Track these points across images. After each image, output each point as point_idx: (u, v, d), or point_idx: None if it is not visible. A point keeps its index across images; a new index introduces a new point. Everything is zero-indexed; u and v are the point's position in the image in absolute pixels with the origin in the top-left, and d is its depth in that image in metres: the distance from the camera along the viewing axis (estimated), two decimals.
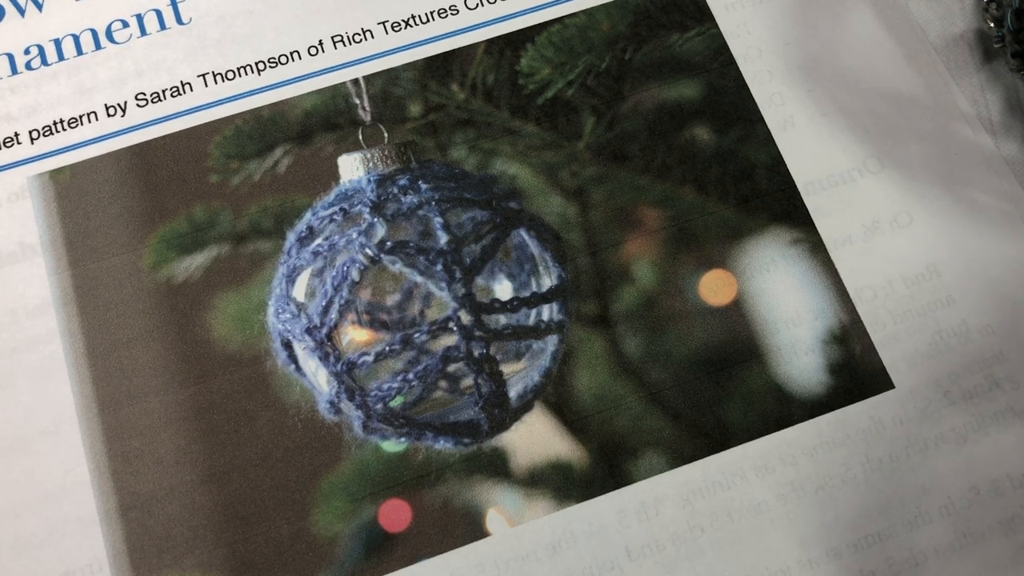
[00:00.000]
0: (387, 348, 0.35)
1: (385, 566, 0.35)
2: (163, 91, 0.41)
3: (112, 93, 0.41)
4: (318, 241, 0.36)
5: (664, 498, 0.35)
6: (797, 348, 0.37)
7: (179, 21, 0.42)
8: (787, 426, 0.36)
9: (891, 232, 0.38)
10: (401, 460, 0.36)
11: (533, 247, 0.37)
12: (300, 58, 0.41)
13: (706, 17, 0.42)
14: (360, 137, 0.40)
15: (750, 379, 0.37)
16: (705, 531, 0.35)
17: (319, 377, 0.36)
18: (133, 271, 0.38)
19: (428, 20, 0.42)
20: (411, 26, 0.42)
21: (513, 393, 0.36)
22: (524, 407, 0.36)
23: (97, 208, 0.39)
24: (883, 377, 0.37)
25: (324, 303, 0.35)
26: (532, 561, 0.35)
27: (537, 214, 0.38)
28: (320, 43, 0.41)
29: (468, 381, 0.36)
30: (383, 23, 0.42)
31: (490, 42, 0.41)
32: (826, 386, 0.37)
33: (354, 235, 0.35)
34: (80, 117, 0.40)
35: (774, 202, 0.39)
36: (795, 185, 0.39)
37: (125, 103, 0.41)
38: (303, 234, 0.37)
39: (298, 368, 0.36)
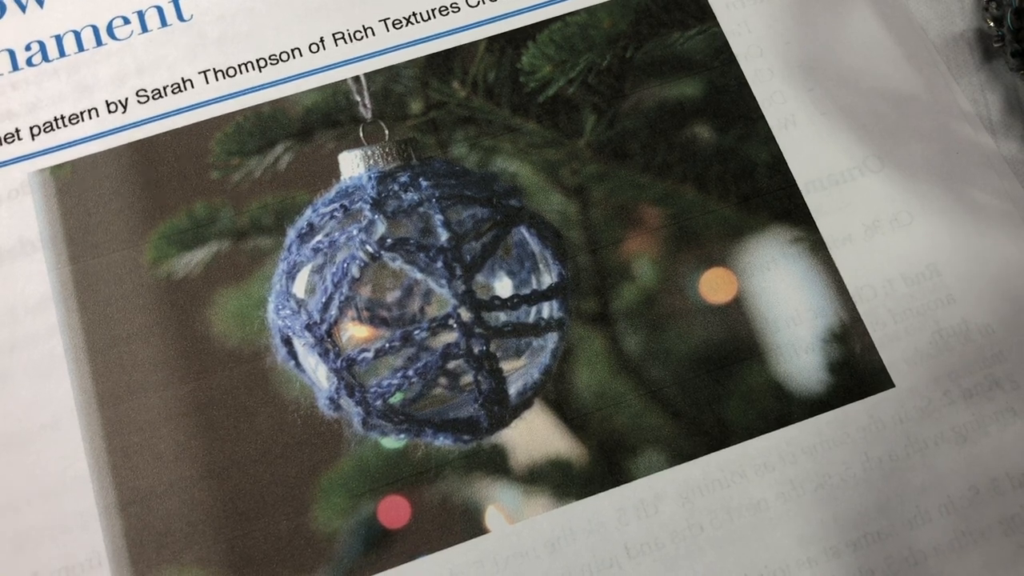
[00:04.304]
0: (387, 345, 0.35)
1: (384, 562, 0.35)
2: (164, 88, 0.41)
3: (113, 90, 0.41)
4: (318, 238, 0.36)
5: (663, 496, 0.35)
6: (797, 346, 0.37)
7: (180, 18, 0.42)
8: (787, 424, 0.36)
9: (891, 231, 0.38)
10: (400, 457, 0.36)
11: (533, 244, 0.37)
12: (301, 55, 0.41)
13: (707, 16, 0.42)
14: (361, 134, 0.40)
15: (750, 377, 0.37)
16: (704, 529, 0.35)
17: (319, 373, 0.36)
18: (133, 267, 0.38)
19: (429, 18, 0.42)
20: (412, 23, 0.42)
21: (513, 390, 0.36)
22: (524, 404, 0.36)
23: (98, 204, 0.39)
24: (883, 376, 0.37)
25: (324, 299, 0.35)
26: (531, 558, 0.35)
27: (538, 212, 0.38)
28: (321, 40, 0.42)
29: (468, 378, 0.36)
30: (384, 20, 0.42)
31: (491, 40, 0.41)
32: (826, 385, 0.37)
33: (354, 232, 0.35)
34: (81, 113, 0.40)
35: (775, 200, 0.39)
36: (796, 183, 0.39)
37: (126, 100, 0.41)
38: (303, 231, 0.37)
39: (298, 364, 0.36)
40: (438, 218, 0.36)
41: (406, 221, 0.36)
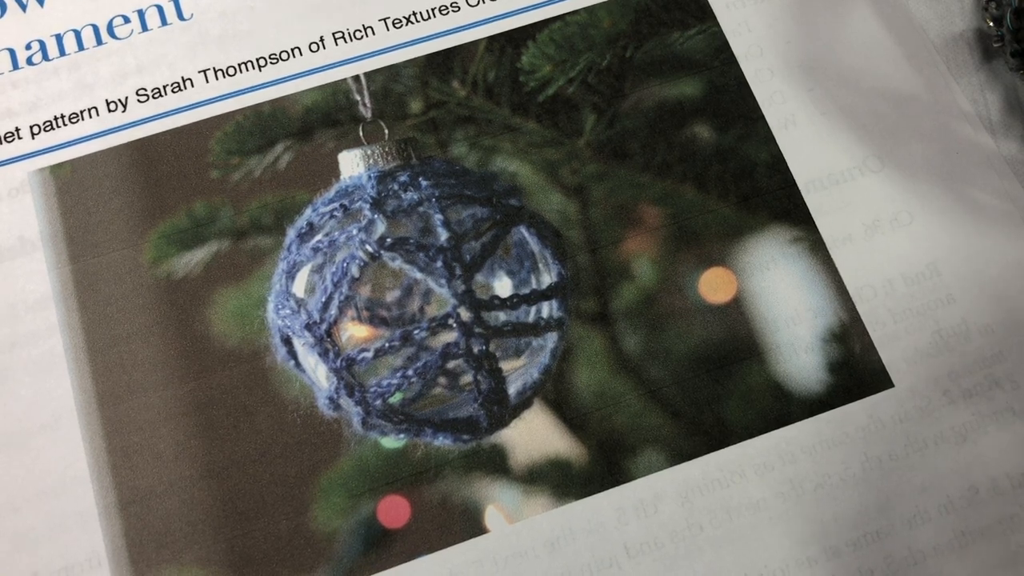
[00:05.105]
0: (387, 344, 0.35)
1: (383, 562, 0.35)
2: (164, 87, 0.41)
3: (113, 88, 0.41)
4: (318, 237, 0.36)
5: (663, 496, 0.35)
6: (797, 346, 0.37)
7: (180, 17, 0.42)
8: (786, 424, 0.36)
9: (891, 231, 0.38)
10: (400, 456, 0.36)
11: (533, 244, 0.37)
12: (301, 54, 0.41)
13: (707, 15, 0.42)
14: (361, 133, 0.40)
15: (749, 377, 0.37)
16: (704, 529, 0.35)
17: (318, 373, 0.36)
18: (133, 266, 0.38)
19: (429, 17, 0.42)
20: (412, 23, 0.42)
21: (512, 390, 0.36)
22: (523, 404, 0.36)
23: (97, 203, 0.39)
24: (883, 376, 0.37)
25: (324, 299, 0.35)
26: (530, 558, 0.35)
27: (537, 211, 0.38)
28: (321, 39, 0.42)
29: (467, 378, 0.36)
30: (384, 20, 0.42)
31: (491, 39, 0.41)
32: (826, 384, 0.37)
33: (354, 231, 0.35)
34: (81, 112, 0.40)
35: (774, 200, 0.39)
36: (795, 183, 0.39)
37: (126, 98, 0.41)
38: (303, 230, 0.37)
39: (297, 364, 0.36)
40: (438, 217, 0.36)
41: (406, 221, 0.36)
